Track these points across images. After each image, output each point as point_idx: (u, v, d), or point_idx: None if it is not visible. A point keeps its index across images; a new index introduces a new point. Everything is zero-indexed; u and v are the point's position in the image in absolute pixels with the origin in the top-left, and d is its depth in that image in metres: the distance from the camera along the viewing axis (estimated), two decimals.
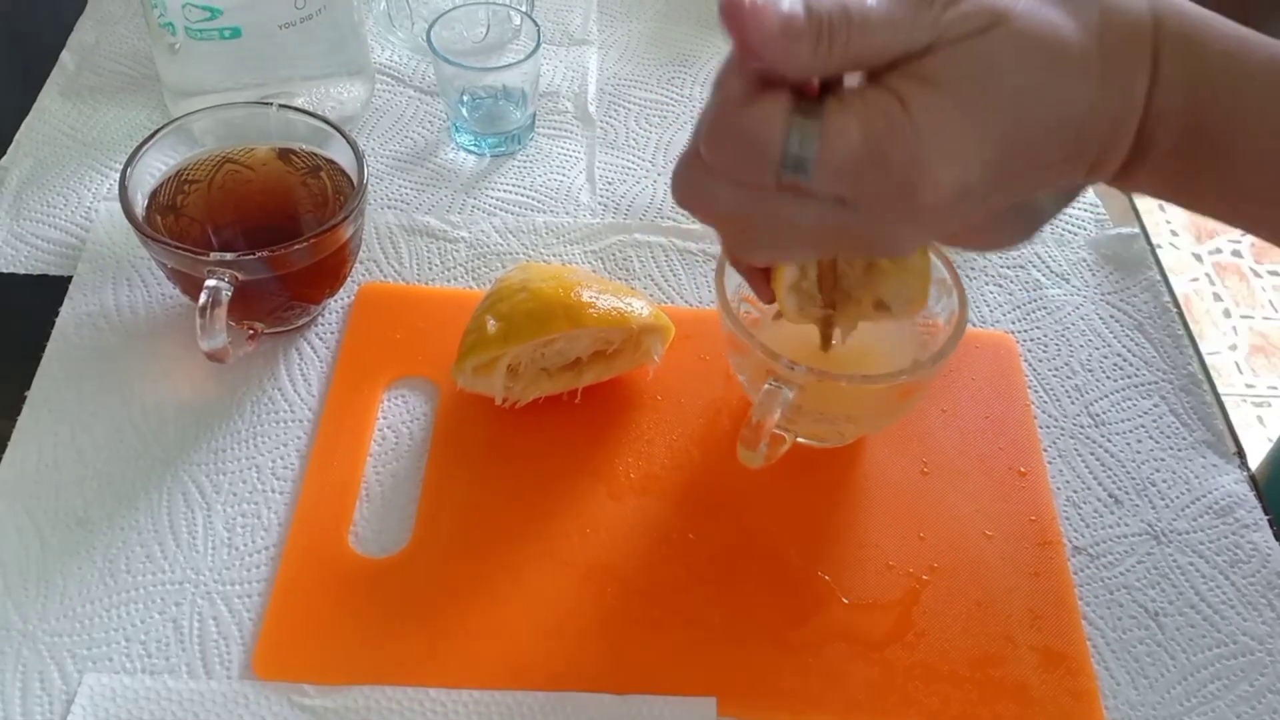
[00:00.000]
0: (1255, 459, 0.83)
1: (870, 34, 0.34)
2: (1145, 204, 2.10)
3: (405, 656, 0.49)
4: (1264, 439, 1.68)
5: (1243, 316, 1.87)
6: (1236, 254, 1.97)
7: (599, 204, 0.71)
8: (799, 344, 0.56)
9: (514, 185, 0.71)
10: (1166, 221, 2.01)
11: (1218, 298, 1.89)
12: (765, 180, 0.36)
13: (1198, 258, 1.96)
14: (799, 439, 0.56)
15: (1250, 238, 2.00)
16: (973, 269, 0.68)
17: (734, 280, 0.55)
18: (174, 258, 0.53)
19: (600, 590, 0.52)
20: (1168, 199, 0.40)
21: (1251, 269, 1.95)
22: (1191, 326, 0.65)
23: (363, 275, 0.64)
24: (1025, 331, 0.65)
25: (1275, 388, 1.76)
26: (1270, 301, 1.90)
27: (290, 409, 0.58)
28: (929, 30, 0.34)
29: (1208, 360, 1.96)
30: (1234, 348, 1.82)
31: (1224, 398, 0.62)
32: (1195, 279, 1.92)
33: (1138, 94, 0.36)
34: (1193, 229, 2.01)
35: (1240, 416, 1.71)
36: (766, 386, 0.49)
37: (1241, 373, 1.78)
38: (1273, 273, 1.95)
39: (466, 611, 0.51)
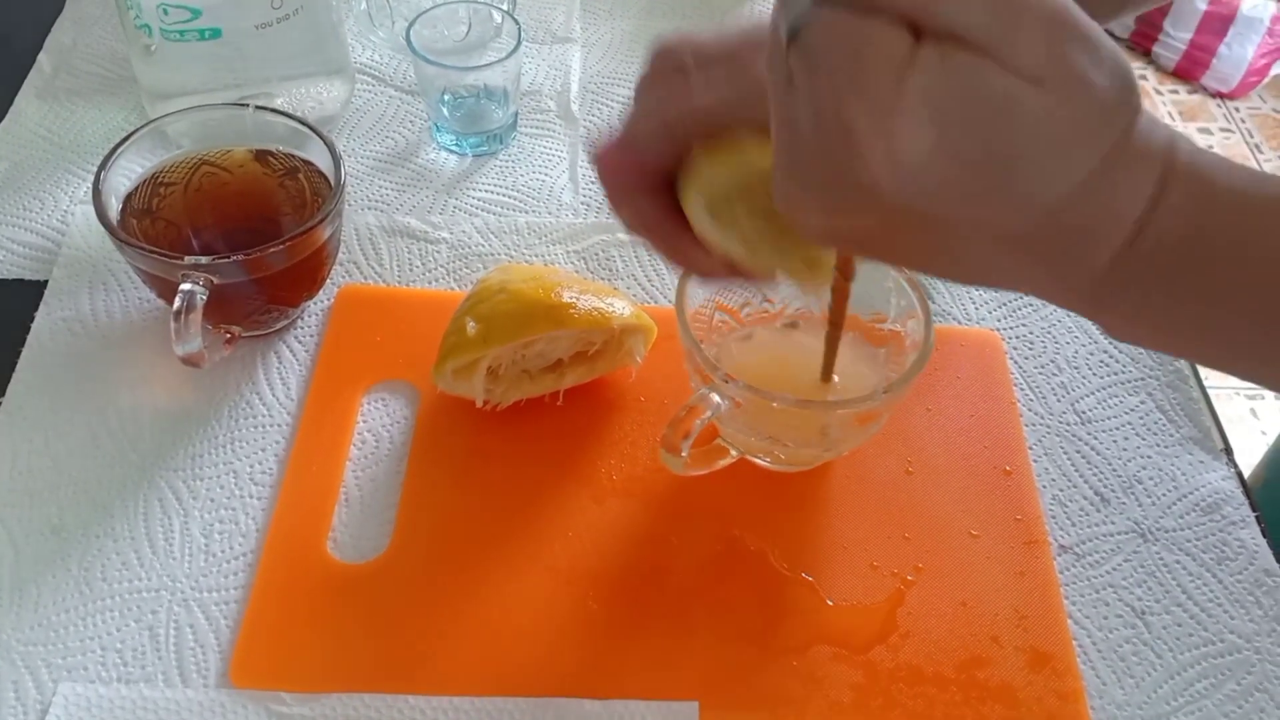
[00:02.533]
0: (1249, 452, 0.83)
1: None
2: None
3: (384, 663, 0.49)
4: (1257, 432, 1.67)
5: None
6: None
7: (582, 203, 0.70)
8: (765, 360, 0.56)
9: (496, 185, 0.71)
10: None
11: None
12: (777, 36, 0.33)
13: None
14: (765, 462, 0.56)
15: None
16: None
17: (705, 289, 0.55)
18: (148, 261, 0.53)
19: (582, 594, 0.51)
20: (1156, 342, 0.39)
21: None
22: None
23: (342, 277, 0.64)
24: (1010, 329, 0.64)
25: None
26: None
27: (268, 413, 0.57)
28: (992, 35, 0.31)
29: None
30: None
31: (1217, 391, 0.62)
32: None
33: (1136, 203, 0.34)
34: None
35: (1233, 409, 1.71)
36: (699, 392, 0.49)
37: None
38: None
39: (447, 617, 0.50)
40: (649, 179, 0.43)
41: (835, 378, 0.52)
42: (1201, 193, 0.35)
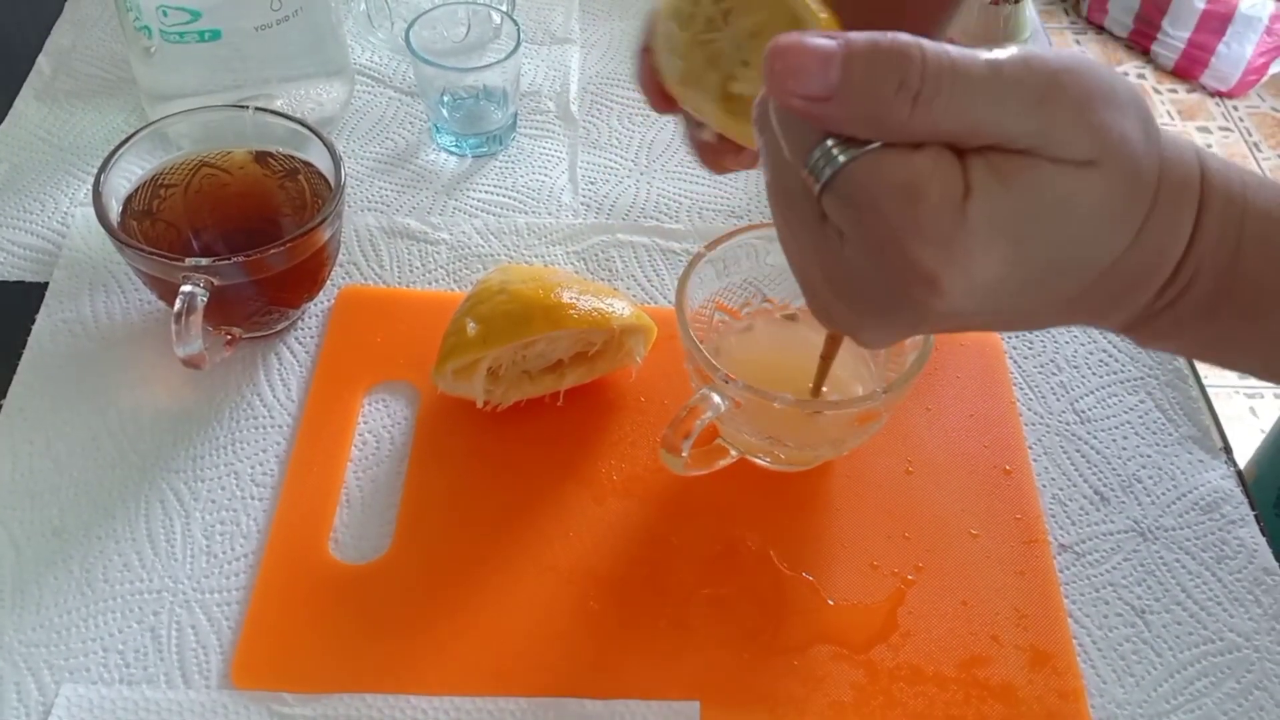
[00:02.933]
0: (1248, 451, 0.83)
1: (972, 99, 0.30)
2: None
3: (386, 664, 0.49)
4: (1257, 430, 1.67)
5: None
6: None
7: (581, 204, 0.70)
8: (765, 360, 0.56)
9: (495, 186, 0.71)
10: None
11: None
12: (785, 155, 0.33)
13: None
14: (765, 462, 0.56)
15: None
16: None
17: (706, 289, 0.55)
18: (148, 263, 0.53)
19: (583, 594, 0.51)
20: (1196, 355, 0.39)
21: None
22: None
23: (343, 278, 0.64)
24: None
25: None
26: None
27: (269, 414, 0.57)
28: (1035, 136, 0.31)
29: None
30: None
31: (1217, 389, 0.62)
32: None
33: (1176, 247, 0.34)
34: None
35: (1233, 408, 1.71)
36: (699, 392, 0.49)
37: None
38: None
39: (448, 617, 0.50)
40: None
41: (826, 387, 0.52)
42: (1234, 215, 0.35)
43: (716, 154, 0.47)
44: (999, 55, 0.30)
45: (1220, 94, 2.28)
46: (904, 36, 0.30)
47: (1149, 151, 0.33)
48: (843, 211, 0.32)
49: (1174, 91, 2.29)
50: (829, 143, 0.31)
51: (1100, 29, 2.41)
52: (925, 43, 0.30)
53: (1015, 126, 0.31)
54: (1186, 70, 2.29)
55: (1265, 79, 2.27)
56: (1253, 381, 1.75)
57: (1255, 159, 2.15)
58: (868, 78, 0.30)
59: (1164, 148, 0.34)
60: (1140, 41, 2.34)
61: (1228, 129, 2.22)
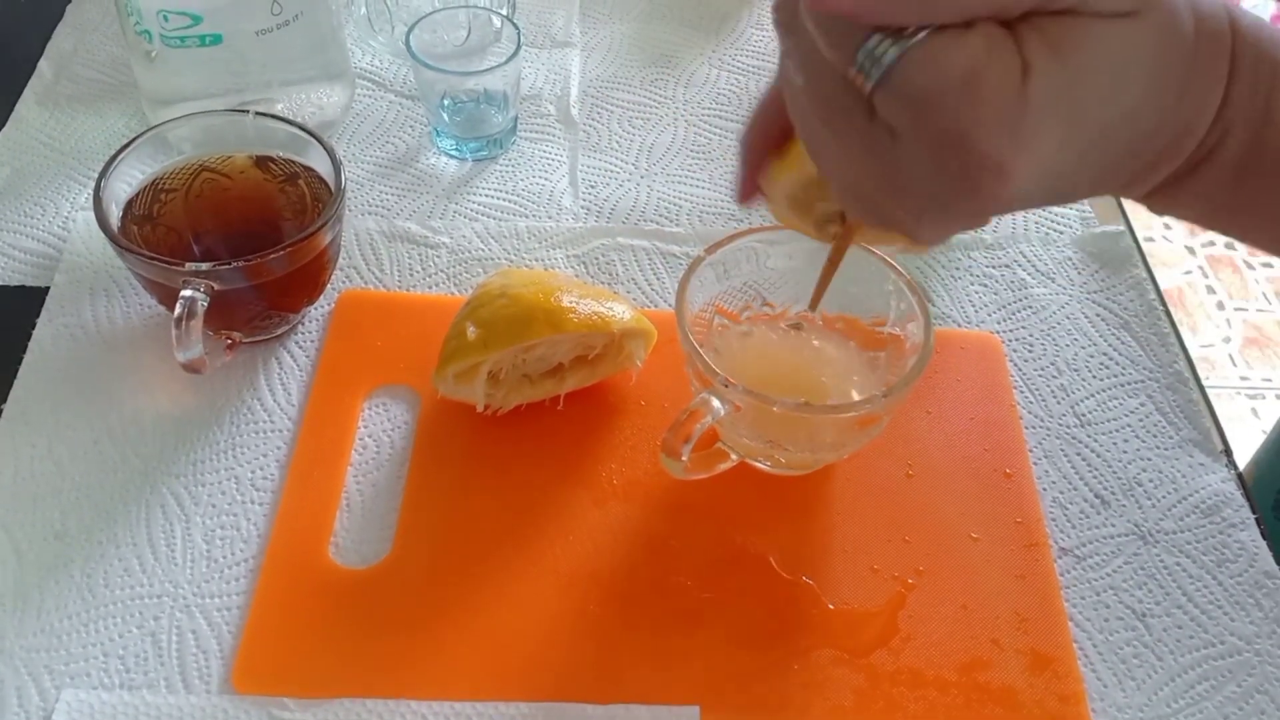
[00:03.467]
0: (1249, 451, 0.83)
1: None
2: None
3: (386, 668, 0.49)
4: (1258, 431, 1.67)
5: (1236, 309, 1.87)
6: (1230, 246, 1.97)
7: (582, 208, 0.70)
8: (764, 364, 0.56)
9: (496, 190, 0.71)
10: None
11: (1211, 290, 1.89)
12: (826, 62, 0.32)
13: (1190, 250, 1.96)
14: (766, 466, 0.56)
15: None
16: (957, 269, 0.67)
17: (706, 293, 0.55)
18: (149, 268, 0.53)
19: (583, 598, 0.51)
20: (1208, 222, 0.38)
21: (1245, 261, 1.95)
22: (1185, 319, 0.65)
23: (343, 282, 0.64)
24: (1010, 331, 0.64)
25: (1269, 380, 1.76)
26: (1264, 294, 1.90)
27: (270, 419, 0.57)
28: None
29: (1201, 353, 1.95)
30: (1228, 340, 1.81)
31: (1218, 390, 0.62)
32: (1188, 271, 1.92)
33: (1212, 104, 0.34)
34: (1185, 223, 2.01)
35: (1234, 409, 1.71)
36: (699, 396, 0.49)
37: (1235, 365, 1.77)
38: (1266, 264, 1.95)
39: (448, 622, 0.50)
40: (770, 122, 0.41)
41: (825, 381, 0.52)
42: (1265, 73, 0.34)
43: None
44: None
45: None
46: None
47: (1185, 1, 0.32)
48: (898, 108, 0.31)
49: None
50: (875, 38, 0.30)
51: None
52: None
53: None
54: None
55: None
56: (1254, 382, 1.75)
57: None
58: None
59: (1197, 1, 0.33)
60: None
61: None
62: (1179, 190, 0.36)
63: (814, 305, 0.48)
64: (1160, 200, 0.37)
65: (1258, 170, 0.35)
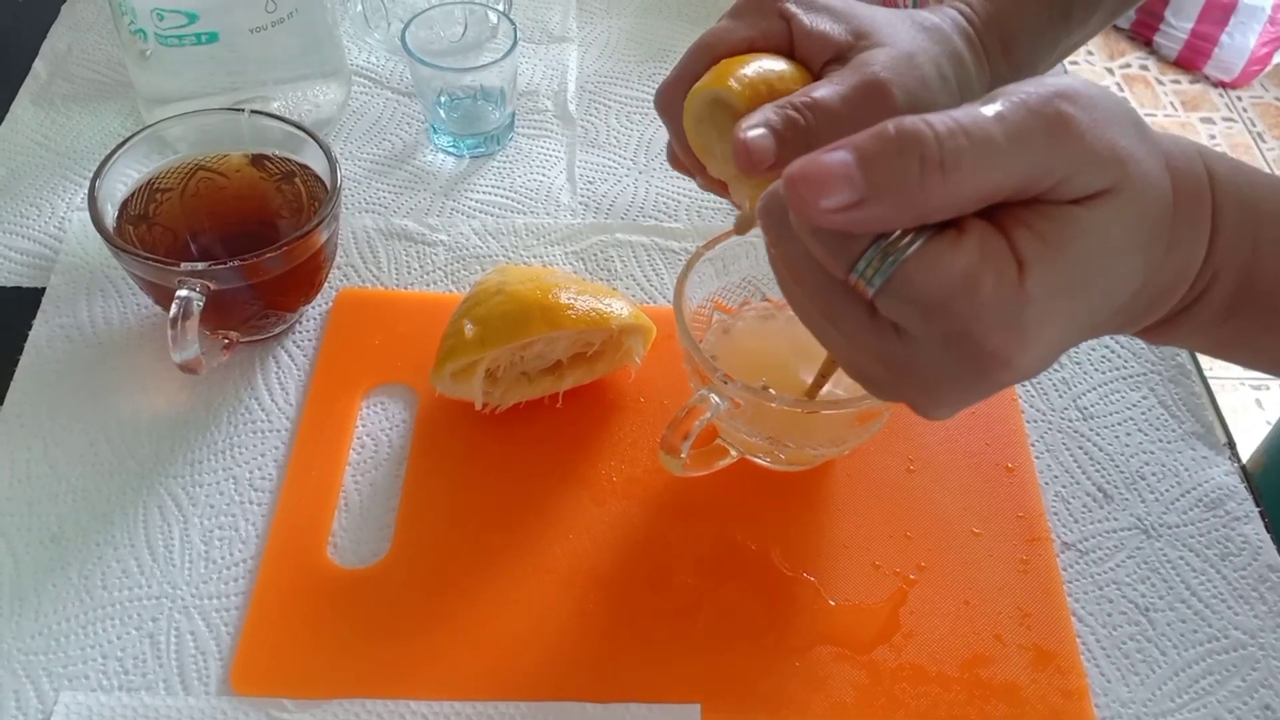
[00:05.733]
0: (1253, 442, 0.83)
1: (992, 153, 0.30)
2: None
3: (385, 669, 0.49)
4: (1263, 422, 1.67)
5: None
6: None
7: (579, 204, 0.70)
8: (764, 360, 0.56)
9: (493, 186, 0.70)
10: None
11: None
12: (822, 268, 0.33)
13: None
14: (766, 462, 0.55)
15: None
16: None
17: (705, 289, 0.55)
18: (144, 268, 0.53)
19: (583, 597, 0.51)
20: (1211, 354, 0.39)
21: None
22: None
23: (340, 280, 0.64)
24: None
25: None
26: None
27: (267, 418, 0.57)
28: (1056, 175, 0.31)
29: None
30: None
31: (1221, 382, 0.62)
32: None
33: (1198, 255, 0.35)
34: None
35: (1238, 400, 1.70)
36: (698, 393, 0.48)
37: None
38: None
39: (447, 621, 0.50)
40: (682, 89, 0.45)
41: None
42: (1248, 220, 0.35)
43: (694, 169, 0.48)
44: (994, 105, 0.31)
45: (1223, 84, 2.27)
46: (906, 118, 0.30)
47: (1156, 164, 0.33)
48: (902, 311, 0.32)
49: (1177, 82, 2.28)
50: (873, 247, 0.31)
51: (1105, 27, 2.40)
52: (928, 115, 0.30)
53: (1038, 168, 0.30)
54: (1189, 61, 2.28)
55: (1268, 69, 2.26)
56: (1258, 374, 1.74)
57: (1259, 149, 2.14)
58: (890, 167, 0.30)
59: (1170, 157, 0.34)
60: (1143, 32, 2.33)
61: (1231, 119, 2.21)
62: (1173, 328, 0.37)
63: (812, 395, 0.49)
64: (1155, 336, 0.38)
65: (1249, 308, 0.36)
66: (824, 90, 0.40)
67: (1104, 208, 0.31)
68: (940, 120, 0.30)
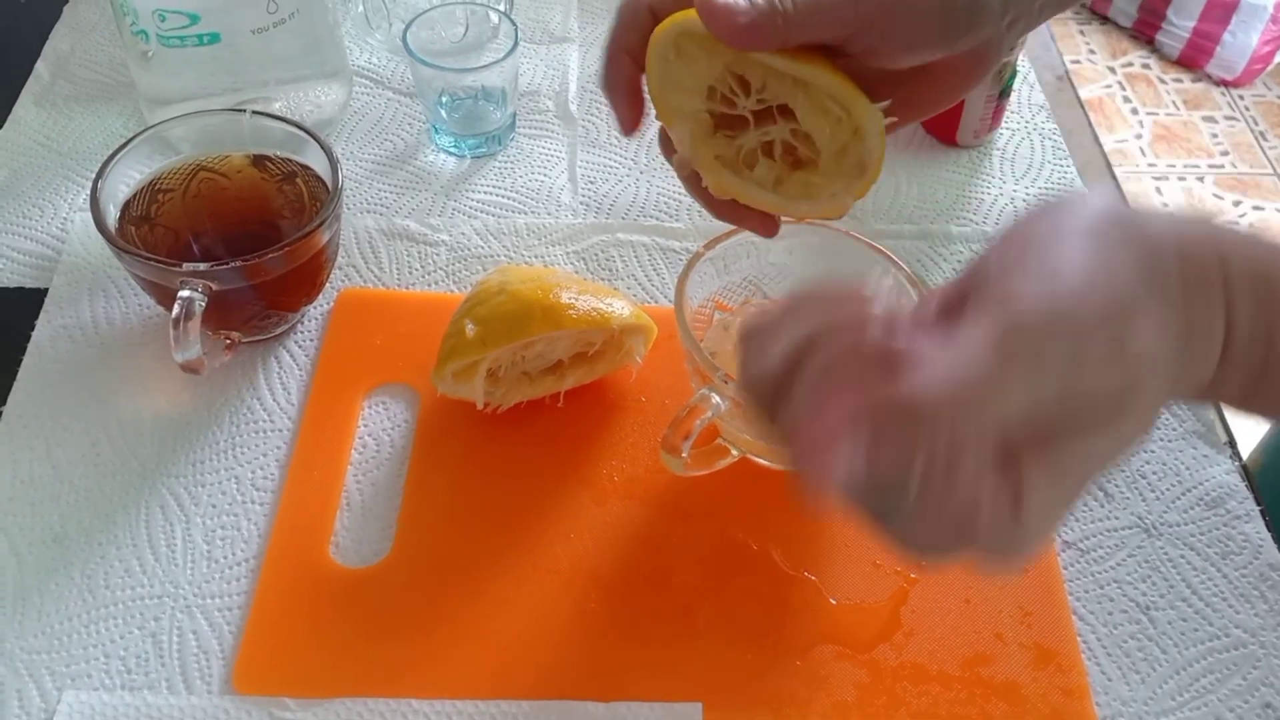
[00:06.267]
0: (1254, 441, 0.83)
1: (984, 407, 0.30)
2: (1139, 188, 2.06)
3: (387, 668, 0.49)
4: (1264, 421, 1.66)
5: None
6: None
7: (581, 204, 0.70)
8: None
9: (495, 186, 0.70)
10: (1164, 204, 2.00)
11: None
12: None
13: None
14: (765, 461, 0.56)
15: (1248, 219, 1.99)
16: (959, 261, 0.67)
17: (705, 289, 0.55)
18: (146, 269, 0.53)
19: (584, 596, 0.51)
20: (1235, 411, 0.39)
21: None
22: None
23: (342, 281, 0.64)
24: None
25: None
26: None
27: (269, 418, 0.57)
28: (1062, 398, 0.30)
29: None
30: None
31: None
32: None
33: (1215, 347, 0.34)
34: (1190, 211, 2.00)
35: None
36: (699, 392, 0.49)
37: None
38: None
39: (449, 621, 0.50)
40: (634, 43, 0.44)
41: None
42: (1266, 296, 0.34)
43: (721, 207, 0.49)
44: (972, 351, 0.30)
45: (1226, 83, 2.27)
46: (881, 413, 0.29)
47: (1165, 317, 0.32)
48: (910, 539, 0.32)
49: (1179, 81, 2.28)
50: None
51: (1105, 19, 2.40)
52: (912, 399, 0.29)
53: (1041, 394, 0.30)
54: (1192, 59, 2.28)
55: (1271, 67, 2.25)
56: None
57: (1261, 148, 2.14)
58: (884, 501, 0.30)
59: (1183, 260, 0.33)
60: (1145, 31, 2.33)
61: (1233, 118, 2.20)
62: (1198, 399, 0.37)
63: None
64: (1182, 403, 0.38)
65: (1268, 389, 0.36)
66: None
67: (1117, 423, 0.31)
68: (924, 399, 0.29)
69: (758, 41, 0.40)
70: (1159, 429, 0.59)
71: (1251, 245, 0.35)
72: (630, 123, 0.46)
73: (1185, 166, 2.09)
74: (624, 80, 0.45)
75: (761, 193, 0.46)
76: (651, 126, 0.74)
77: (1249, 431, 0.60)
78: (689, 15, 0.42)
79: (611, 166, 0.72)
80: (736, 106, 0.44)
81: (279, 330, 0.60)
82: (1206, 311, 0.33)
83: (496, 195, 0.70)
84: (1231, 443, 0.59)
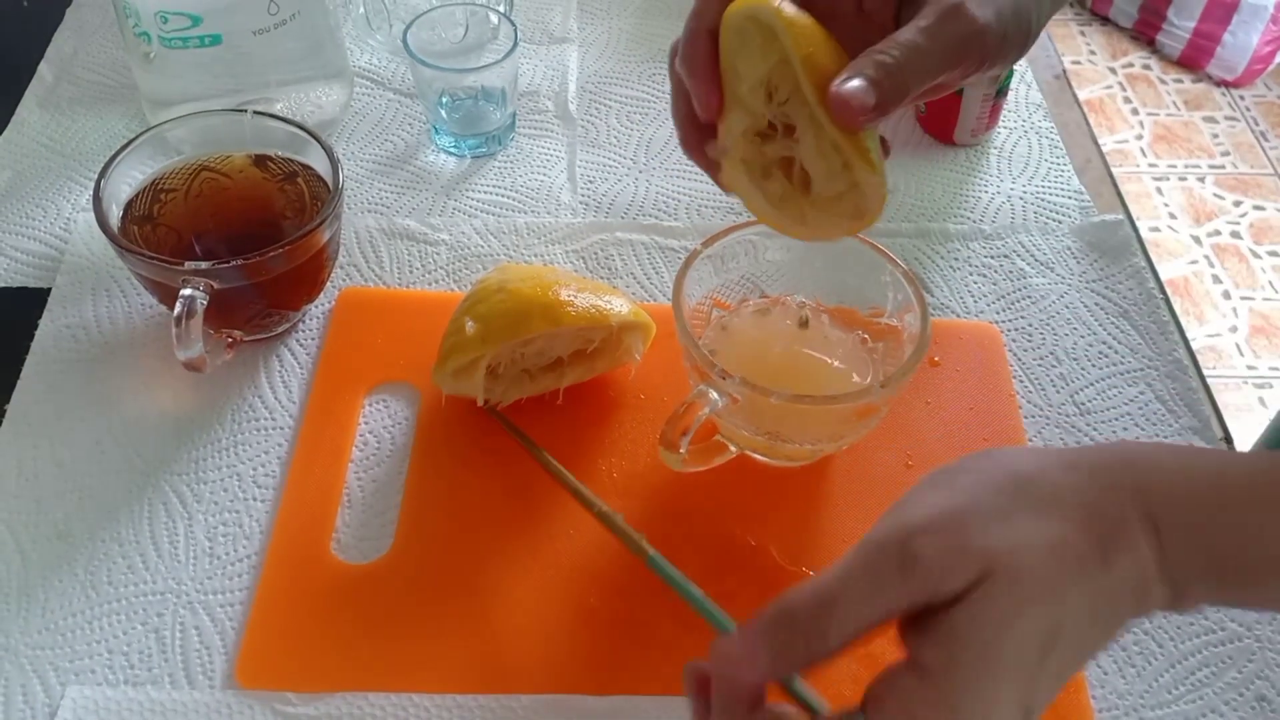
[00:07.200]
0: (1250, 439, 0.83)
1: (848, 623, 0.35)
2: (1139, 188, 2.06)
3: (388, 663, 0.49)
4: (1265, 420, 1.67)
5: (1243, 298, 1.86)
6: (1235, 235, 1.96)
7: (580, 203, 0.70)
8: (763, 356, 0.56)
9: (495, 186, 0.71)
10: (1164, 204, 2.00)
11: (1217, 279, 1.88)
12: None
13: (1196, 240, 1.95)
14: (763, 457, 0.56)
15: (1249, 219, 1.99)
16: (956, 260, 0.68)
17: (703, 286, 0.55)
18: (148, 268, 0.53)
19: (584, 592, 0.52)
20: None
21: (1250, 250, 1.94)
22: (1191, 309, 0.65)
23: (343, 280, 0.64)
24: (1009, 321, 0.64)
25: (1276, 369, 1.75)
26: (1270, 282, 1.89)
27: (271, 416, 0.58)
28: (917, 596, 0.35)
29: (1208, 343, 1.93)
30: (1234, 330, 1.81)
31: (1225, 379, 0.62)
32: (1194, 261, 1.92)
33: (1148, 565, 0.36)
34: (1190, 211, 2.00)
35: (1241, 399, 1.70)
36: (697, 389, 0.49)
37: (1243, 354, 1.77)
38: (1272, 253, 1.94)
39: (449, 616, 0.51)
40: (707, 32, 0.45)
41: (823, 372, 0.52)
42: (1188, 521, 0.37)
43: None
44: (848, 561, 0.36)
45: (1226, 83, 2.27)
46: (786, 598, 0.36)
47: (1041, 530, 0.36)
48: None
49: (1180, 81, 2.28)
50: None
51: (1105, 20, 2.40)
52: (798, 595, 0.36)
53: (901, 602, 0.35)
54: (1192, 60, 2.28)
55: (1271, 68, 2.25)
56: (1262, 371, 1.74)
57: (1262, 148, 2.14)
58: (780, 639, 0.35)
59: (1102, 498, 0.36)
60: (1146, 31, 2.33)
61: (1234, 119, 2.21)
62: (1174, 611, 0.39)
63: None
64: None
65: (1232, 592, 0.38)
66: (904, 33, 0.42)
67: (978, 596, 0.34)
68: (806, 599, 0.35)
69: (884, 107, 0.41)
70: (1156, 426, 0.59)
71: (1154, 472, 0.38)
72: (709, 105, 0.46)
73: (1186, 166, 2.10)
74: (701, 60, 0.45)
75: (765, 205, 0.47)
76: (651, 126, 0.75)
77: (1247, 430, 0.60)
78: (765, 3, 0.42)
79: (610, 166, 0.73)
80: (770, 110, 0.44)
81: (280, 329, 0.61)
82: (1124, 542, 0.36)
83: (496, 195, 0.70)
84: (1228, 439, 0.59)
